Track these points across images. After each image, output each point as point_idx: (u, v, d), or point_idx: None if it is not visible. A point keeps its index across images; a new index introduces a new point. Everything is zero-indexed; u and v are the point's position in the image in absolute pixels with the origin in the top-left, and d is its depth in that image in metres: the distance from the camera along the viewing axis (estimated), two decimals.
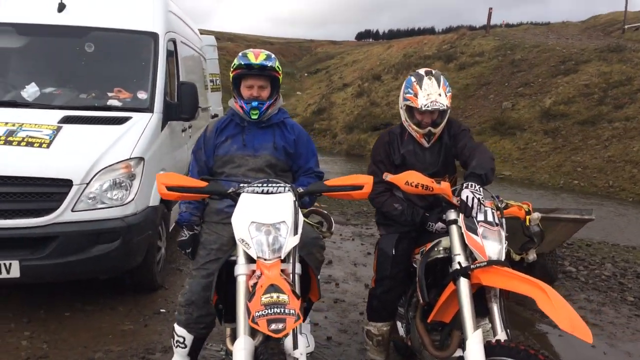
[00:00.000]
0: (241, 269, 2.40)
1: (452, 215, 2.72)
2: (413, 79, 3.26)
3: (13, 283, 4.04)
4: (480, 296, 2.71)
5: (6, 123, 4.27)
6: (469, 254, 2.66)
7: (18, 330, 3.96)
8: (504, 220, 2.74)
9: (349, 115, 23.84)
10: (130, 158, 4.27)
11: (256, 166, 3.08)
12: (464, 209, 2.63)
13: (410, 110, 3.25)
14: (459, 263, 2.62)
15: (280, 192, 2.53)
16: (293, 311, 2.04)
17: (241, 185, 2.57)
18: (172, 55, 5.87)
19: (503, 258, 2.62)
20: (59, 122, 4.39)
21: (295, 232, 2.43)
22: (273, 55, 3.10)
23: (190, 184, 2.56)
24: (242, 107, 3.05)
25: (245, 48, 4.15)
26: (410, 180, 2.58)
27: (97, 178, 4.06)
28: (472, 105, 20.55)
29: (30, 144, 4.08)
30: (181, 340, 3.09)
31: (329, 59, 58.09)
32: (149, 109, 4.89)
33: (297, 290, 2.38)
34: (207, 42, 10.14)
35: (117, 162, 4.19)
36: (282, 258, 2.36)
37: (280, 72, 3.10)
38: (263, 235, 2.36)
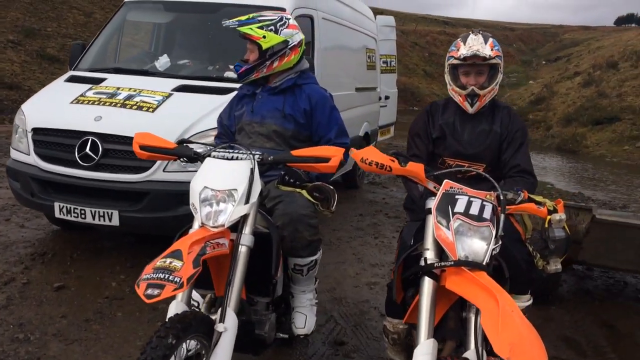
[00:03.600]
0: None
1: (429, 203, 2.29)
2: (459, 38, 2.90)
3: (114, 230, 4.60)
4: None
5: (130, 89, 4.82)
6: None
7: (117, 272, 4.49)
8: (502, 216, 2.22)
9: (570, 107, 21.43)
10: None
11: (262, 134, 3.02)
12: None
13: (453, 72, 2.87)
14: (425, 259, 2.21)
15: (239, 159, 2.44)
16: (178, 279, 1.95)
17: (209, 149, 2.55)
18: (307, 31, 6.00)
19: (486, 260, 2.14)
20: (172, 90, 4.81)
21: (247, 201, 2.33)
22: (260, 17, 3.00)
23: (161, 144, 2.61)
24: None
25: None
26: (366, 157, 2.22)
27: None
28: None
29: (140, 108, 4.56)
30: None
31: (574, 46, 53.07)
32: None
33: (240, 264, 2.29)
34: (383, 22, 10.07)
35: (208, 129, 4.44)
36: (226, 227, 2.28)
37: (259, 35, 2.95)
38: (210, 202, 2.32)
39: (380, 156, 2.24)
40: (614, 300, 4.74)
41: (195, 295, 3.10)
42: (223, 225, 2.27)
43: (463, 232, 2.16)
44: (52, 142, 4.56)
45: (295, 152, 2.48)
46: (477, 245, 2.15)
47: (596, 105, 20.21)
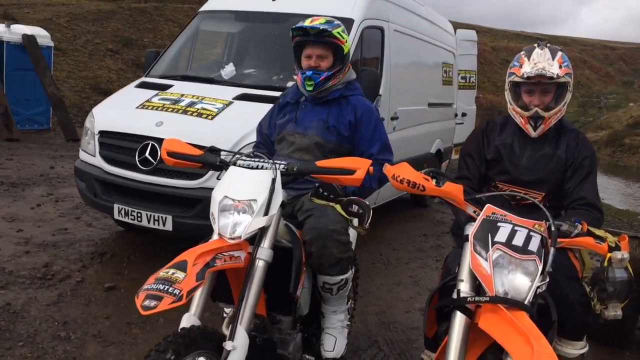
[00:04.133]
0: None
1: (468, 229, 2.05)
2: (523, 52, 2.61)
3: (167, 234, 4.63)
4: None
5: (193, 96, 4.87)
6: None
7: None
8: (552, 250, 1.95)
9: None
10: None
11: (303, 145, 2.89)
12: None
13: (515, 89, 2.60)
14: (458, 292, 1.98)
15: (263, 168, 2.33)
16: (177, 292, 1.85)
17: (235, 157, 2.45)
18: (377, 43, 5.87)
19: (529, 298, 1.88)
20: (233, 98, 4.81)
21: (266, 213, 2.21)
22: (336, 21, 2.84)
23: (188, 151, 2.54)
24: (300, 79, 2.89)
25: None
26: (397, 173, 2.02)
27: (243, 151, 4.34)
28: None
29: (200, 115, 4.59)
30: None
31: None
32: None
33: (256, 280, 2.16)
34: (463, 36, 9.73)
35: None
36: (243, 238, 2.17)
37: (344, 40, 2.82)
38: (230, 212, 2.22)
39: (413, 174, 2.04)
40: None
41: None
42: (240, 237, 2.16)
43: (503, 265, 1.92)
44: (116, 145, 4.67)
45: (320, 163, 2.33)
46: (519, 281, 1.91)
47: None
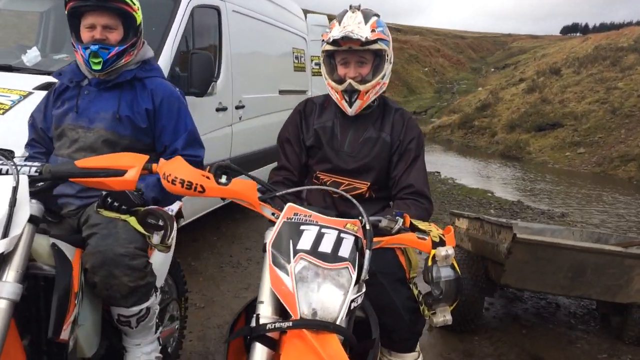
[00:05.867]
0: None
1: (268, 236, 1.65)
2: (337, 17, 2.25)
3: None
4: None
5: None
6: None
7: None
8: (369, 252, 1.60)
9: (514, 113, 21.40)
10: None
11: (88, 143, 2.32)
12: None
13: (330, 62, 2.25)
14: (257, 317, 1.57)
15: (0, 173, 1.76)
16: None
17: None
18: (212, 25, 5.35)
19: (341, 317, 1.52)
20: (34, 88, 4.05)
21: (5, 235, 1.65)
22: None
23: None
24: (82, 56, 2.30)
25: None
26: (168, 171, 1.58)
27: None
28: None
29: None
30: None
31: (521, 54, 54.22)
32: None
33: None
34: (314, 21, 9.47)
35: None
36: None
37: (136, 6, 2.30)
38: None
39: (189, 171, 1.58)
40: (545, 325, 4.24)
41: None
42: None
43: (309, 278, 1.54)
44: None
45: (80, 163, 1.79)
46: (329, 297, 1.53)
47: (539, 111, 20.21)
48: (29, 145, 2.54)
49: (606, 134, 16.73)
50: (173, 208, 2.71)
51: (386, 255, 2.04)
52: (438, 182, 11.76)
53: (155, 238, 2.10)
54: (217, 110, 5.37)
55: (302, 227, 1.60)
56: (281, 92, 7.30)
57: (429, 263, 1.70)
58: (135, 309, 2.13)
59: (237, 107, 5.73)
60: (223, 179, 1.63)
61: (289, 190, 1.70)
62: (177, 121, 2.40)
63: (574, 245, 3.48)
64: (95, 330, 2.12)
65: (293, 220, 1.61)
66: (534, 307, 4.62)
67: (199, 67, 4.61)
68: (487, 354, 3.68)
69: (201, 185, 1.55)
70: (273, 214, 1.65)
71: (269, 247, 1.57)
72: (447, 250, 1.68)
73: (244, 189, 1.60)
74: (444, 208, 8.48)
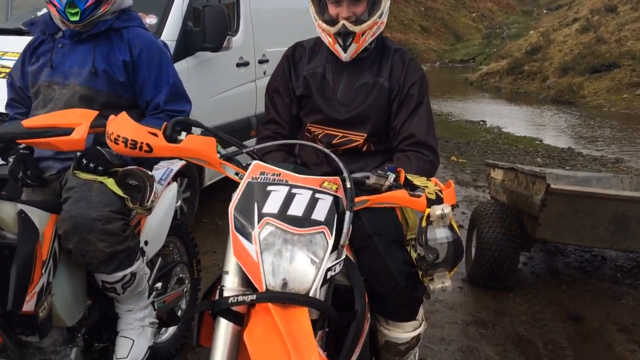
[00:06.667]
0: None
1: (233, 198, 1.46)
2: None
3: None
4: None
5: None
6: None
7: None
8: (349, 214, 1.40)
9: (567, 55, 20.23)
10: None
11: (63, 101, 2.16)
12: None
13: (319, 0, 1.97)
14: (221, 289, 1.41)
15: None
16: None
17: None
18: None
19: (315, 288, 1.34)
20: None
21: None
22: None
23: None
24: (55, 6, 2.12)
25: None
26: (112, 129, 1.40)
27: None
28: None
29: None
30: None
31: None
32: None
33: None
34: None
35: None
36: None
37: None
38: None
39: (134, 128, 1.40)
40: (587, 280, 3.95)
41: None
42: None
43: (276, 245, 1.35)
44: None
45: (27, 122, 1.63)
46: (301, 265, 1.36)
47: (594, 52, 19.02)
48: (9, 105, 2.40)
49: None
50: (173, 168, 2.58)
51: (384, 215, 1.83)
52: (483, 131, 11.26)
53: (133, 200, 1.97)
54: (238, 65, 5.17)
55: (269, 188, 1.41)
56: None
57: (423, 224, 1.48)
58: (119, 274, 2.01)
59: (260, 62, 5.53)
60: (183, 136, 1.44)
61: (257, 147, 1.50)
62: (158, 73, 2.22)
63: (615, 195, 3.16)
64: (76, 298, 2.02)
65: (259, 180, 1.42)
66: (577, 260, 4.32)
67: (212, 20, 4.41)
68: (520, 312, 3.45)
69: (147, 144, 1.37)
70: (237, 173, 1.46)
71: (231, 211, 1.39)
72: (444, 208, 1.45)
73: (200, 146, 1.41)
74: (486, 158, 8.10)
